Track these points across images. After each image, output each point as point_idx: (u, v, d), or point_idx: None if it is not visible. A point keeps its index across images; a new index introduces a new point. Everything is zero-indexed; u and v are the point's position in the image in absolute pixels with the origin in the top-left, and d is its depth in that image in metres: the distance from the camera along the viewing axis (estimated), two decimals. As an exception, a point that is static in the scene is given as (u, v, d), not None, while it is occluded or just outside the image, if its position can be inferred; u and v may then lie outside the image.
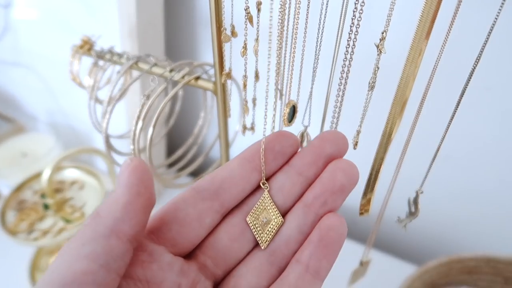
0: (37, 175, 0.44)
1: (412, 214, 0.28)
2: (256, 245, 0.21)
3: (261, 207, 0.21)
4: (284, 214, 0.21)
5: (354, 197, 0.63)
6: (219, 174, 0.20)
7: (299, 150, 0.21)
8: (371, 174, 0.26)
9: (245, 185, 0.21)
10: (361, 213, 0.28)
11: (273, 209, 0.20)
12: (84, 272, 0.15)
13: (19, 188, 0.43)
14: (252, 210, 0.21)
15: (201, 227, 0.20)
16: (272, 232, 0.20)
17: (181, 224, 0.19)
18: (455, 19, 0.21)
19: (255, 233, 0.20)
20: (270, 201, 0.20)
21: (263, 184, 0.21)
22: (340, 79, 0.25)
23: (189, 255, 0.20)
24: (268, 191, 0.21)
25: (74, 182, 0.44)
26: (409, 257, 0.54)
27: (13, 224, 0.39)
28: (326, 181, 0.20)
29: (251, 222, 0.20)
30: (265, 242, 0.20)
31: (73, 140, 0.64)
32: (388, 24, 0.22)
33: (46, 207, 0.41)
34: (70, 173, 0.45)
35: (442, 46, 0.22)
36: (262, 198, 0.21)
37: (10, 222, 0.39)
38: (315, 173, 0.20)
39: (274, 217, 0.20)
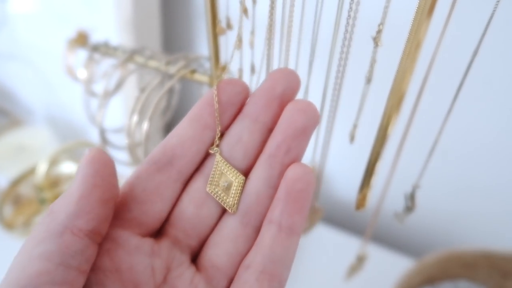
0: (34, 169, 0.44)
1: (409, 209, 0.28)
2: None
3: (217, 172, 0.19)
4: (249, 167, 0.19)
5: (350, 192, 0.63)
6: (170, 141, 0.19)
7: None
8: (367, 169, 0.26)
9: (199, 146, 0.19)
10: (357, 208, 0.28)
11: (231, 170, 0.19)
12: (39, 273, 0.14)
13: (16, 182, 0.43)
14: (210, 179, 0.19)
15: (163, 200, 0.19)
16: (238, 194, 0.19)
17: (141, 201, 0.18)
18: (453, 11, 0.21)
19: (220, 200, 0.19)
20: (224, 164, 0.19)
21: (213, 149, 0.19)
22: (337, 73, 0.25)
23: (159, 233, 0.19)
24: (220, 153, 0.19)
25: (71, 176, 0.44)
26: (407, 251, 0.54)
27: (10, 218, 0.39)
28: (285, 126, 0.18)
29: (212, 191, 0.19)
30: (233, 206, 0.19)
31: (69, 133, 0.64)
32: (385, 16, 0.22)
33: (42, 201, 0.41)
34: (67, 167, 0.45)
35: (439, 38, 0.22)
36: (215, 163, 0.19)
37: (7, 216, 0.39)
38: (271, 116, 0.19)
39: (234, 178, 0.19)
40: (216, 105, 0.19)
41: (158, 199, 0.18)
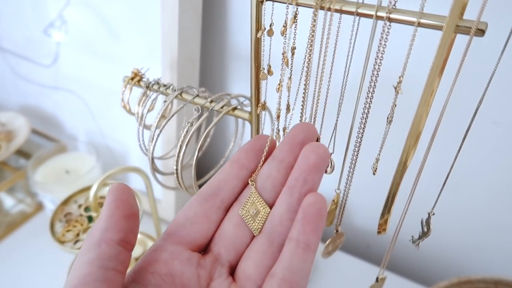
0: (82, 190, 0.48)
1: (425, 233, 0.31)
2: None
3: (250, 201, 0.24)
4: (276, 196, 0.24)
5: (370, 221, 0.66)
6: (215, 177, 0.25)
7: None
8: (388, 197, 0.29)
9: (237, 182, 0.25)
10: (379, 232, 0.31)
11: (260, 201, 0.24)
12: (86, 274, 0.19)
13: (66, 201, 0.47)
14: (243, 205, 0.24)
15: (209, 222, 0.24)
16: (262, 221, 0.24)
17: (193, 222, 0.23)
18: (463, 63, 0.24)
19: (247, 223, 0.24)
20: (257, 195, 0.24)
21: (251, 181, 0.25)
22: (362, 114, 0.29)
23: (205, 250, 0.24)
24: (255, 186, 0.24)
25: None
26: (421, 280, 0.56)
27: (61, 234, 0.43)
28: (301, 163, 0.23)
29: (243, 215, 0.24)
30: (256, 230, 0.24)
31: (109, 158, 0.69)
32: (405, 70, 0.26)
33: (90, 219, 0.45)
34: (111, 190, 0.49)
35: (452, 85, 0.25)
36: (250, 193, 0.24)
37: (58, 232, 0.43)
38: (294, 158, 0.23)
39: (261, 208, 0.24)
40: (263, 156, 0.25)
41: (205, 221, 0.24)
